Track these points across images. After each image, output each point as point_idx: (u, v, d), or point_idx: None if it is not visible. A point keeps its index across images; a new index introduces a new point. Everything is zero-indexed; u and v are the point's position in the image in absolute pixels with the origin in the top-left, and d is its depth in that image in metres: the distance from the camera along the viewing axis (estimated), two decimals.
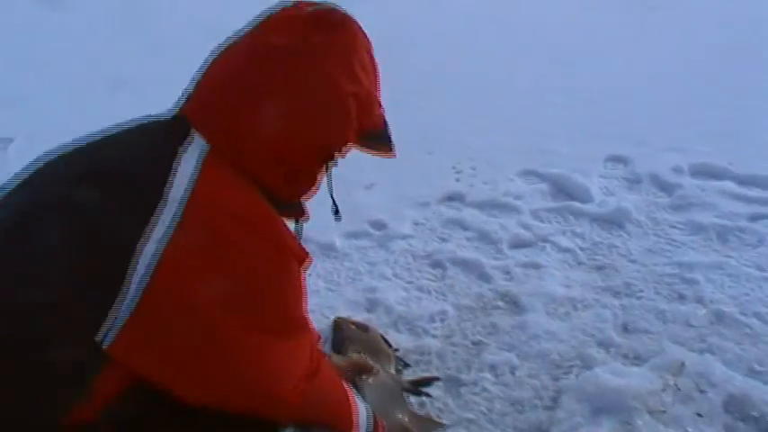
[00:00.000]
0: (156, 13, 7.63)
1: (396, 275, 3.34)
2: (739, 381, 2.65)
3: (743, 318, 2.99)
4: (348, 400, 2.07)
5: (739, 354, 2.81)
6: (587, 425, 2.48)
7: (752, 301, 3.10)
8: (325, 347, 2.80)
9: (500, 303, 3.14)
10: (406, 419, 2.45)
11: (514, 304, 3.13)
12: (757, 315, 3.01)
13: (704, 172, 4.16)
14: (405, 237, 3.61)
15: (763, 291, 3.16)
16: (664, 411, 2.52)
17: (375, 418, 2.14)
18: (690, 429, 2.48)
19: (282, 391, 1.62)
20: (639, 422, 2.47)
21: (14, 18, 7.74)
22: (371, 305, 3.15)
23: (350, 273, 3.36)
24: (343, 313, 3.07)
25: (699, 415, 2.53)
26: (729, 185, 3.99)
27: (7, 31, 7.23)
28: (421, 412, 2.56)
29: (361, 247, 3.54)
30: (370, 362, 2.57)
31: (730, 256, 3.39)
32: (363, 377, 2.49)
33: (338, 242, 3.56)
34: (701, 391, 2.61)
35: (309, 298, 3.09)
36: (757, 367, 2.76)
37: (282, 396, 1.62)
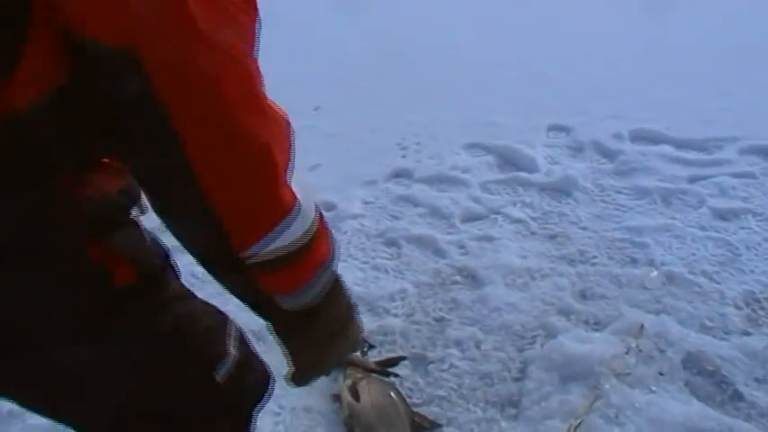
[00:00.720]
0: None
1: (351, 256, 3.29)
2: (693, 338, 2.74)
3: (692, 277, 3.07)
4: None
5: (691, 312, 2.88)
6: (557, 393, 2.51)
7: (698, 261, 3.19)
8: None
9: (458, 278, 3.14)
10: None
11: (473, 278, 3.13)
12: (704, 273, 3.10)
13: (643, 137, 4.25)
14: (356, 216, 3.57)
15: (708, 250, 3.25)
16: (628, 373, 2.57)
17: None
18: (653, 388, 2.54)
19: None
20: (607, 386, 2.51)
21: None
22: None
23: None
24: None
25: (661, 374, 2.59)
26: (668, 149, 4.09)
27: None
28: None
29: None
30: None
31: (675, 218, 3.48)
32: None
33: None
34: (661, 351, 2.67)
35: None
36: (708, 323, 2.84)
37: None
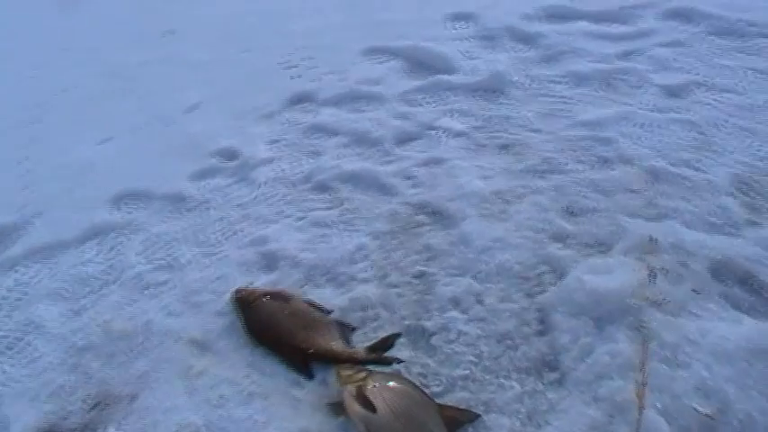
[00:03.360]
0: None
1: (279, 213, 2.63)
2: (708, 241, 2.39)
3: (675, 170, 2.72)
4: None
5: (693, 210, 2.54)
6: (599, 343, 2.08)
7: (672, 149, 2.83)
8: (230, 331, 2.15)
9: (422, 218, 2.58)
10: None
11: (440, 215, 2.59)
12: (686, 163, 2.76)
13: (553, 15, 3.79)
14: (266, 161, 2.87)
15: (676, 134, 2.90)
16: (665, 300, 2.16)
17: None
18: (696, 311, 2.18)
19: None
20: (653, 322, 2.09)
21: None
22: (269, 260, 2.45)
23: (221, 225, 2.58)
24: (239, 281, 2.34)
25: (695, 291, 2.22)
26: (586, 26, 3.66)
27: None
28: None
29: (218, 187, 2.75)
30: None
31: (628, 104, 3.09)
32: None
33: (188, 188, 2.73)
34: (685, 265, 2.30)
35: (186, 274, 2.34)
36: (714, 220, 2.51)
37: None
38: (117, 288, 2.43)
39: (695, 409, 1.88)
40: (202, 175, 2.80)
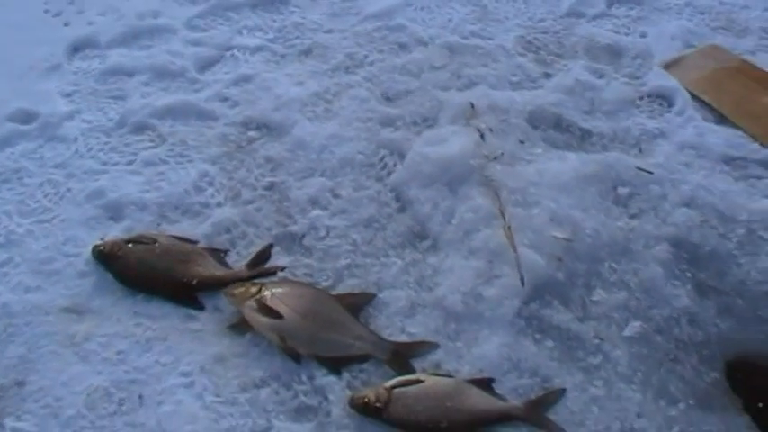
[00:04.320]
0: None
1: (106, 163, 2.53)
2: (516, 96, 2.70)
3: (468, 41, 2.98)
4: None
5: (494, 74, 2.83)
6: (458, 203, 2.32)
7: (460, 24, 3.08)
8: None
9: (252, 134, 2.63)
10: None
11: (267, 128, 2.65)
12: (475, 34, 3.03)
13: None
14: (69, 116, 2.71)
15: (456, 10, 3.18)
16: (501, 153, 2.44)
17: None
18: (527, 157, 2.49)
19: None
20: (497, 175, 2.36)
21: None
22: (113, 211, 2.38)
23: (47, 189, 2.43)
24: (91, 238, 2.26)
25: (521, 141, 2.52)
26: None
27: None
28: None
29: (26, 152, 2.56)
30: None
31: None
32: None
33: None
34: (505, 122, 2.58)
35: (28, 247, 2.20)
36: (515, 79, 2.82)
37: None
38: None
39: (555, 237, 2.18)
40: (3, 143, 2.57)
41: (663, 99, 2.77)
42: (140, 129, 2.63)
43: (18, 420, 1.88)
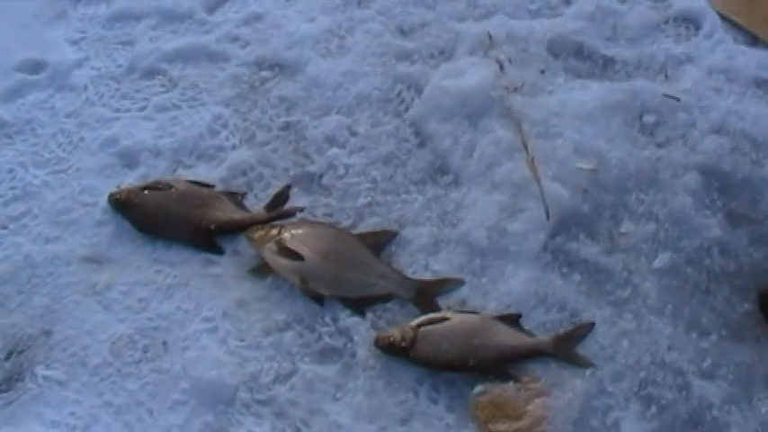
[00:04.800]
0: None
1: (118, 110, 2.48)
2: (536, 25, 2.61)
3: None
4: None
5: (512, 2, 2.70)
6: (479, 136, 2.28)
7: None
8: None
9: (265, 74, 2.56)
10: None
11: (279, 67, 2.56)
12: None
13: None
14: (78, 63, 2.63)
15: None
16: (522, 84, 2.36)
17: None
18: (549, 87, 2.43)
19: None
20: (518, 106, 2.29)
21: None
22: (128, 158, 2.35)
23: (60, 139, 2.40)
24: (107, 186, 2.23)
25: (542, 72, 2.44)
26: None
27: None
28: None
29: (37, 103, 2.51)
30: None
31: None
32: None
33: (2, 113, 2.47)
34: (525, 51, 2.51)
35: (45, 198, 2.18)
36: (534, 7, 2.70)
37: None
38: None
39: (579, 168, 2.11)
40: (13, 94, 2.52)
41: (689, 22, 2.64)
42: (151, 74, 2.57)
43: (48, 369, 1.89)
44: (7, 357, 1.92)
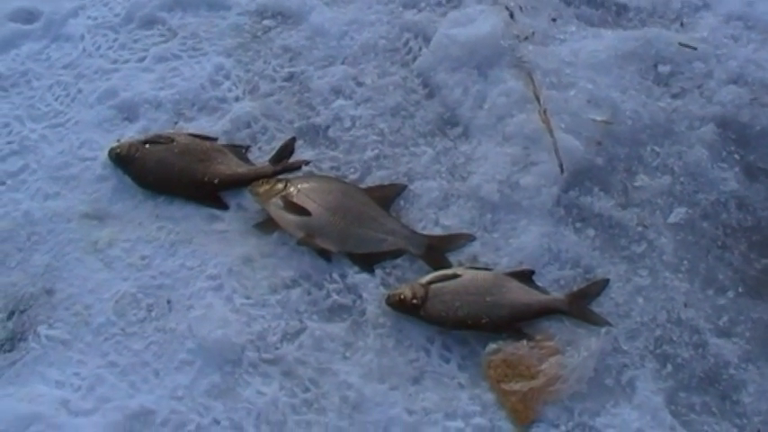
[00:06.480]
0: None
1: (117, 61, 2.40)
2: None
3: None
4: None
5: None
6: (489, 86, 2.19)
7: None
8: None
9: (268, 23, 2.46)
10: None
11: (283, 15, 2.47)
12: None
13: None
14: (74, 12, 2.54)
15: None
16: (532, 33, 2.28)
17: None
18: (560, 36, 2.34)
19: None
20: (529, 55, 2.21)
21: None
22: (128, 111, 2.30)
23: (56, 91, 2.35)
24: (107, 140, 2.17)
25: (553, 19, 2.39)
26: None
27: None
28: None
29: (32, 54, 2.43)
30: None
31: None
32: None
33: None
34: None
35: (42, 153, 2.12)
36: None
37: None
38: None
39: (593, 120, 2.05)
40: (7, 45, 2.44)
41: None
42: (149, 23, 2.48)
43: (51, 328, 1.85)
44: (9, 317, 1.89)
